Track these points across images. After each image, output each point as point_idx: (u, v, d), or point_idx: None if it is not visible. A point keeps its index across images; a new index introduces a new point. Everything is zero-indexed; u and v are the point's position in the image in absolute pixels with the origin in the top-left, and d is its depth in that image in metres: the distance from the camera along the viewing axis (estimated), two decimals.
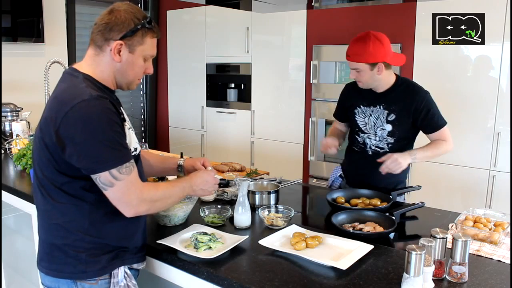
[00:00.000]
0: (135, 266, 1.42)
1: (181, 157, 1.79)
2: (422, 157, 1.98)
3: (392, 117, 2.04)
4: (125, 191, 1.23)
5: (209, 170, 1.55)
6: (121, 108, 1.44)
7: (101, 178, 1.21)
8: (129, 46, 1.30)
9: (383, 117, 2.05)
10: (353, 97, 2.17)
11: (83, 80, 1.27)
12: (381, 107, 2.06)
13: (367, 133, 2.12)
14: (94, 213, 1.28)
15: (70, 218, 1.29)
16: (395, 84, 2.04)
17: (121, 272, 1.35)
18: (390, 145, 2.08)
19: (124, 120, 1.31)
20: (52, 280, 1.34)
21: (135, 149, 1.36)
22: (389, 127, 2.05)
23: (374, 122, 2.09)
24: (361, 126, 2.13)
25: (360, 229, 1.60)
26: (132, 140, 1.34)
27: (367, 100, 2.10)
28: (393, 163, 1.89)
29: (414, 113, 2.01)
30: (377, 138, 2.09)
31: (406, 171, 2.04)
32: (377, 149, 2.11)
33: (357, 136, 2.16)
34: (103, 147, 1.19)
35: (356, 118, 2.14)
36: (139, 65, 1.35)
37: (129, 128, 1.35)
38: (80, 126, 1.17)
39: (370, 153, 2.12)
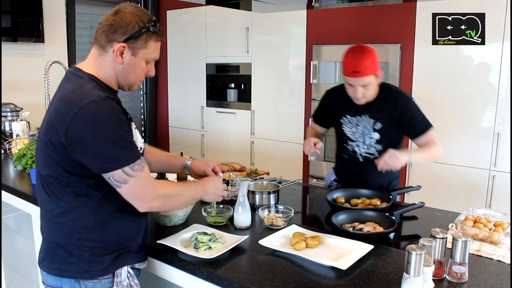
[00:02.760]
0: (137, 265, 1.43)
1: (181, 156, 1.79)
2: (417, 157, 1.95)
3: (378, 125, 2.03)
4: (138, 187, 1.26)
5: (219, 176, 1.57)
6: None
7: (115, 176, 1.23)
8: (132, 49, 1.30)
9: (370, 126, 2.04)
10: (340, 106, 2.12)
11: (88, 80, 1.28)
12: (367, 116, 2.04)
13: (356, 141, 2.10)
14: (99, 211, 1.30)
15: (75, 216, 1.29)
16: (378, 92, 2.02)
17: (124, 272, 1.36)
18: (378, 151, 2.06)
19: (131, 120, 1.34)
20: (55, 279, 1.34)
21: (140, 148, 1.38)
22: (376, 136, 2.04)
23: (362, 131, 2.07)
24: (349, 135, 2.11)
25: (360, 229, 1.60)
26: (138, 139, 1.37)
27: (353, 110, 2.06)
28: (392, 157, 1.82)
29: (399, 120, 2.00)
30: (366, 146, 2.08)
31: (399, 170, 2.01)
32: (367, 155, 2.09)
33: (346, 145, 2.15)
34: (115, 146, 1.22)
35: (343, 128, 2.12)
36: (141, 68, 1.35)
37: (135, 127, 1.38)
38: (90, 127, 1.19)
39: (361, 160, 2.11)
